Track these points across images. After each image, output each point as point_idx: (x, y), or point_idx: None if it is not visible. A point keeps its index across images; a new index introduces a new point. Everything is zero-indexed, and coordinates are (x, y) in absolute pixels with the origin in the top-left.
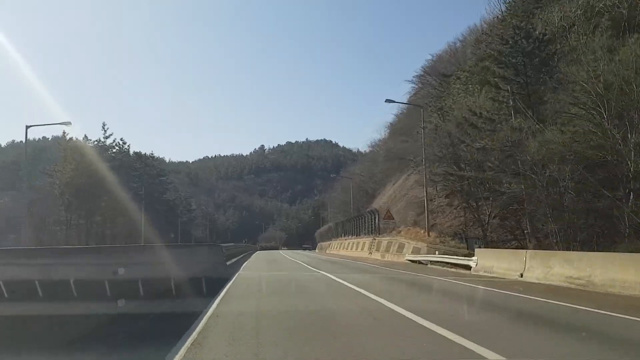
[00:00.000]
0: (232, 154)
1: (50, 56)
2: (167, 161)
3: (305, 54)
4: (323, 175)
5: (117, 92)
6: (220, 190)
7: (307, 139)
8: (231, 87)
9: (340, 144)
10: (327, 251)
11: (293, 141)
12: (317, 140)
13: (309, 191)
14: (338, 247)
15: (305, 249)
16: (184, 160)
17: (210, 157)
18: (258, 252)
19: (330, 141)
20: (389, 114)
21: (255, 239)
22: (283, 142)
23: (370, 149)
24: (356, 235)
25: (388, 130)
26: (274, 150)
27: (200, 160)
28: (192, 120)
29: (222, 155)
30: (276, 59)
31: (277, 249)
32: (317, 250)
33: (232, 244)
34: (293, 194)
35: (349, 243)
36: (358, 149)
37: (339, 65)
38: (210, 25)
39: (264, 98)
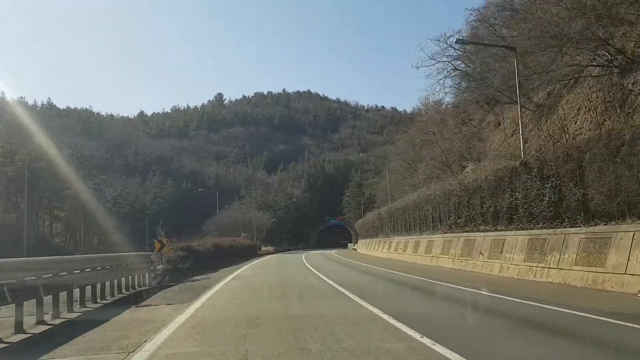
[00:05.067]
0: (176, 107)
1: None
2: (62, 108)
3: None
4: (315, 133)
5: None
6: (142, 149)
7: (284, 89)
8: (174, 25)
9: (331, 97)
10: None
11: (265, 92)
12: (298, 92)
13: (295, 153)
14: None
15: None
16: (86, 107)
17: (148, 113)
18: None
19: (317, 94)
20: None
21: (198, 226)
22: (250, 94)
23: None
24: None
25: None
26: (237, 102)
27: (130, 119)
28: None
29: (158, 112)
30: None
31: (254, 249)
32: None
33: None
34: (272, 157)
35: None
36: (357, 103)
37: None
38: None
39: (223, 39)
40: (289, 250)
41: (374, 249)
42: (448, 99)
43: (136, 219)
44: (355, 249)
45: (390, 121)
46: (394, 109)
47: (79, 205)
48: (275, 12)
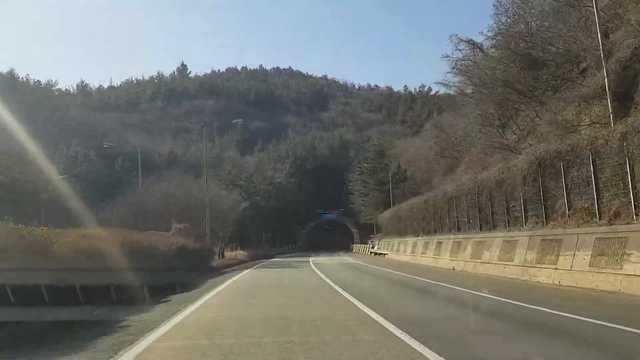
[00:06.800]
0: (129, 80)
1: None
2: None
3: None
4: (299, 111)
5: None
6: (69, 120)
7: (261, 65)
8: None
9: (316, 75)
10: None
11: (238, 67)
12: (277, 69)
13: (276, 132)
14: None
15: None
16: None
17: (94, 86)
18: None
19: (300, 71)
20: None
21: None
22: (221, 69)
23: None
24: None
25: None
26: (206, 76)
27: (67, 91)
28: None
29: (105, 86)
30: None
31: (205, 258)
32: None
33: None
34: (248, 135)
35: None
36: (347, 82)
37: None
38: None
39: (187, 8)
40: (272, 257)
41: (446, 255)
42: None
43: (23, 204)
44: (382, 254)
45: (388, 99)
46: (389, 88)
47: None
48: None
